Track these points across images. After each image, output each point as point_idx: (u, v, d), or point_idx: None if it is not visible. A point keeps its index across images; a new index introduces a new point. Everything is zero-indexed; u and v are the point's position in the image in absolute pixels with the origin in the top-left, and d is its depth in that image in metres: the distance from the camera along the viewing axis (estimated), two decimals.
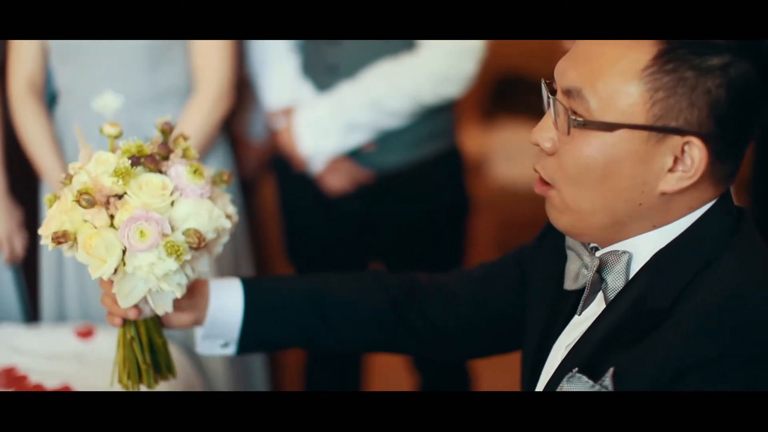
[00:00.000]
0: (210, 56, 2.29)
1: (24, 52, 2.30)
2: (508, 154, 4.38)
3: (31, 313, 2.45)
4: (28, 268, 2.43)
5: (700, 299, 1.18)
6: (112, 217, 1.39)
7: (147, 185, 1.40)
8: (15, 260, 2.35)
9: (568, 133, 1.23)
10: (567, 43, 1.83)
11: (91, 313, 2.33)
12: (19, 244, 2.33)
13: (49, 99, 2.40)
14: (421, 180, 2.52)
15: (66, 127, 2.32)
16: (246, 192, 2.81)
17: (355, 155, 2.49)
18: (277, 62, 2.50)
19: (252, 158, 2.77)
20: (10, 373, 2.04)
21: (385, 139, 2.47)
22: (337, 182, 2.49)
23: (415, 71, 2.38)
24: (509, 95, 4.56)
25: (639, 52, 1.18)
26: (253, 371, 2.54)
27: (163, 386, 2.02)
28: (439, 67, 2.38)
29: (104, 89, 2.25)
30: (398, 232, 2.56)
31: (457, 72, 2.40)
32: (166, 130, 1.48)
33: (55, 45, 2.27)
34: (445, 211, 2.59)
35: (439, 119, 2.51)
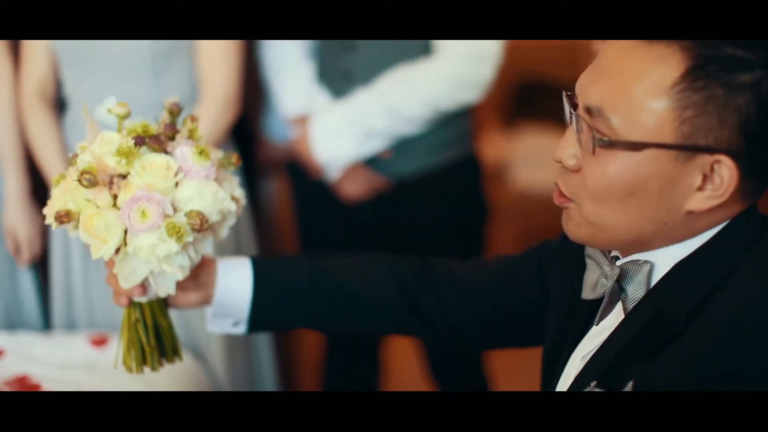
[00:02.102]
0: (216, 65, 2.24)
1: (34, 60, 2.29)
2: (530, 160, 4.31)
3: (47, 320, 2.46)
4: (45, 276, 2.44)
5: (720, 309, 1.14)
6: (115, 197, 1.38)
7: (151, 165, 1.38)
8: (34, 262, 2.37)
9: (593, 152, 1.18)
10: (595, 45, 1.77)
11: (98, 321, 2.33)
12: (37, 249, 2.34)
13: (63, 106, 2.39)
14: (437, 187, 2.48)
15: (73, 134, 2.30)
16: (260, 197, 2.78)
17: (371, 162, 2.46)
18: (291, 69, 2.47)
19: (273, 157, 2.76)
20: (23, 382, 2.05)
21: (401, 146, 2.44)
22: (354, 190, 2.47)
23: (432, 77, 2.34)
24: (531, 101, 4.50)
25: (666, 68, 1.13)
26: (264, 383, 2.53)
27: (170, 386, 2.02)
28: (456, 73, 2.34)
29: (108, 97, 2.24)
30: (414, 240, 2.51)
31: (474, 77, 2.36)
32: (174, 111, 1.46)
33: (62, 52, 2.25)
34: (463, 218, 2.55)
35: (455, 126, 2.47)
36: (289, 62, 2.48)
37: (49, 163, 2.28)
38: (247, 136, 2.73)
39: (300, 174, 2.57)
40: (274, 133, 2.76)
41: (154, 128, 1.43)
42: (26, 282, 2.39)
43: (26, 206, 2.31)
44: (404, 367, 3.03)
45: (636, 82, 1.14)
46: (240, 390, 2.38)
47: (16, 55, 2.32)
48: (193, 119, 1.48)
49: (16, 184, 2.29)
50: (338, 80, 2.44)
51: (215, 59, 2.24)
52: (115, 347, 2.09)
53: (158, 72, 2.23)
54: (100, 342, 2.20)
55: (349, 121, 2.39)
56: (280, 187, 2.94)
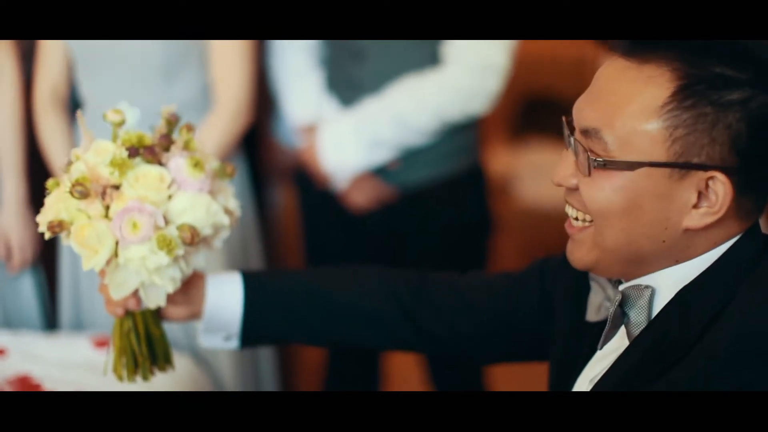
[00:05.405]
0: (228, 72, 2.24)
1: (49, 63, 2.29)
2: (536, 173, 4.29)
3: (51, 321, 2.45)
4: (50, 276, 2.42)
5: (721, 330, 1.15)
6: (107, 207, 1.38)
7: (144, 177, 1.38)
8: (23, 268, 2.35)
9: (589, 174, 1.20)
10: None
11: (102, 322, 2.31)
12: (29, 255, 2.32)
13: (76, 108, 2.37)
14: (442, 197, 2.47)
15: None
16: (268, 206, 2.77)
17: (378, 172, 2.45)
18: (300, 78, 2.47)
19: (282, 161, 2.75)
20: (24, 381, 2.04)
21: (408, 156, 2.43)
22: (361, 200, 2.46)
23: (439, 88, 2.34)
24: (538, 115, 4.48)
25: (656, 89, 1.16)
26: (264, 382, 2.52)
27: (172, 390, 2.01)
28: (464, 84, 2.34)
29: (120, 102, 2.21)
30: (419, 250, 2.51)
31: (482, 89, 2.36)
32: (171, 121, 1.45)
33: (79, 54, 2.25)
34: (467, 229, 2.54)
35: (461, 137, 2.47)
36: (297, 71, 2.47)
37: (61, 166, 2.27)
38: (256, 143, 2.72)
39: (307, 183, 2.56)
40: (284, 138, 2.75)
41: (150, 138, 1.42)
42: (27, 282, 2.38)
43: (23, 212, 2.30)
44: (404, 374, 3.03)
45: (628, 104, 1.17)
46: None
47: (24, 59, 2.30)
48: (189, 129, 1.47)
49: (14, 189, 2.28)
50: (347, 89, 2.44)
51: (228, 67, 2.23)
52: None
53: (170, 77, 2.22)
54: (102, 343, 2.19)
55: (357, 130, 2.38)
56: (287, 196, 2.94)
